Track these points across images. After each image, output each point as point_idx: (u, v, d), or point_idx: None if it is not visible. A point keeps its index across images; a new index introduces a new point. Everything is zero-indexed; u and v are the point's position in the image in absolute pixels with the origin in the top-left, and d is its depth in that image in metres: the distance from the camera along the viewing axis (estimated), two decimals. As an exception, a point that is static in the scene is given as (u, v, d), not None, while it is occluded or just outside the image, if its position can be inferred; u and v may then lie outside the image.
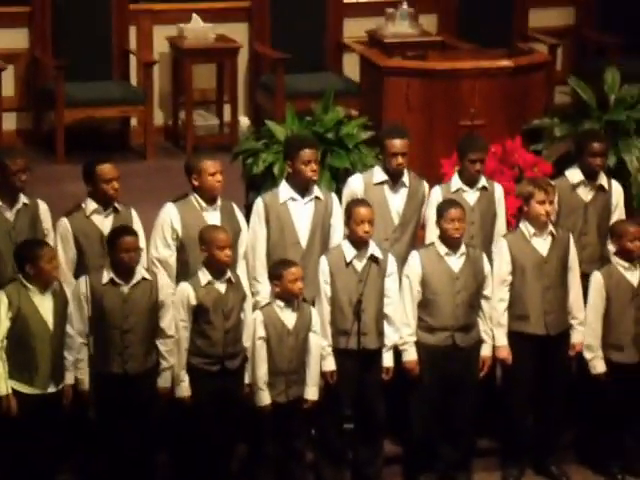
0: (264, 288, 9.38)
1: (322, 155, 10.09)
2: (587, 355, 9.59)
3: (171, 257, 9.37)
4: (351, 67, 12.30)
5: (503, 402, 9.67)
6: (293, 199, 9.50)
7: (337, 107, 10.48)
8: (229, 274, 9.11)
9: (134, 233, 9.03)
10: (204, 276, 9.08)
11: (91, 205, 9.34)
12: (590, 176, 9.91)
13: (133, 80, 12.41)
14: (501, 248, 9.56)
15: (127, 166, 11.91)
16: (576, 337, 9.60)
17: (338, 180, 10.11)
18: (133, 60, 12.42)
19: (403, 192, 9.76)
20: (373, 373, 9.41)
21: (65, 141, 12.03)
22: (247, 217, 9.67)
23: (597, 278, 9.59)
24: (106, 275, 8.98)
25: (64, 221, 9.31)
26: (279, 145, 10.18)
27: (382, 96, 10.76)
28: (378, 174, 9.72)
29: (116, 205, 9.36)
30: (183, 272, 9.30)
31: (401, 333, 9.40)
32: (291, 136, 10.01)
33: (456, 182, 9.77)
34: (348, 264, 9.33)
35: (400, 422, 9.60)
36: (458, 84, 10.71)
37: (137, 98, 12.25)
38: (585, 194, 9.93)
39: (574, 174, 9.94)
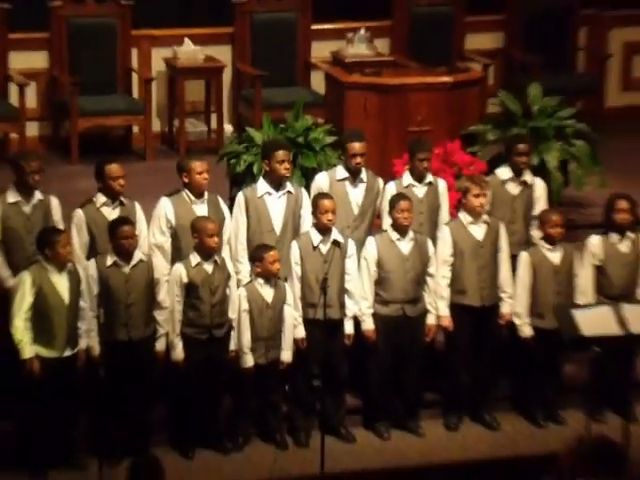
0: (245, 268, 9.37)
1: (294, 156, 10.05)
2: (517, 321, 9.58)
3: (166, 243, 9.34)
4: (318, 82, 12.25)
5: (445, 362, 9.64)
6: (269, 193, 9.47)
7: (306, 116, 10.46)
8: (216, 257, 9.10)
9: (131, 223, 9.01)
10: (194, 258, 9.07)
11: (101, 199, 9.31)
12: (517, 173, 9.89)
13: (135, 94, 12.35)
14: (444, 234, 9.54)
15: (130, 166, 11.77)
16: (505, 308, 9.59)
17: (307, 177, 10.06)
18: (135, 77, 12.36)
19: (362, 187, 9.72)
20: (337, 339, 9.37)
21: (78, 145, 11.97)
22: (231, 208, 9.64)
23: (524, 257, 9.58)
24: (109, 259, 8.97)
25: (79, 212, 9.29)
26: (257, 148, 10.14)
27: (344, 107, 10.73)
28: (340, 172, 9.69)
29: (122, 199, 9.32)
30: (177, 255, 9.27)
31: (360, 306, 9.38)
32: (267, 140, 9.98)
33: (407, 178, 9.74)
34: (315, 248, 9.30)
35: (359, 379, 9.58)
36: (407, 96, 10.67)
37: (138, 109, 12.19)
38: (513, 188, 9.91)
39: (504, 172, 9.93)
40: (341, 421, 9.46)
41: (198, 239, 9.06)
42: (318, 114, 10.97)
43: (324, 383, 8.97)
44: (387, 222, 9.56)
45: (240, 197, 9.53)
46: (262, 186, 9.51)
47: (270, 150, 9.51)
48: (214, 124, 12.43)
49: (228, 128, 12.36)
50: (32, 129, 12.12)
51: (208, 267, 9.10)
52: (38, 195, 9.31)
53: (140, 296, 9.01)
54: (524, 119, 10.72)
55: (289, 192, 9.52)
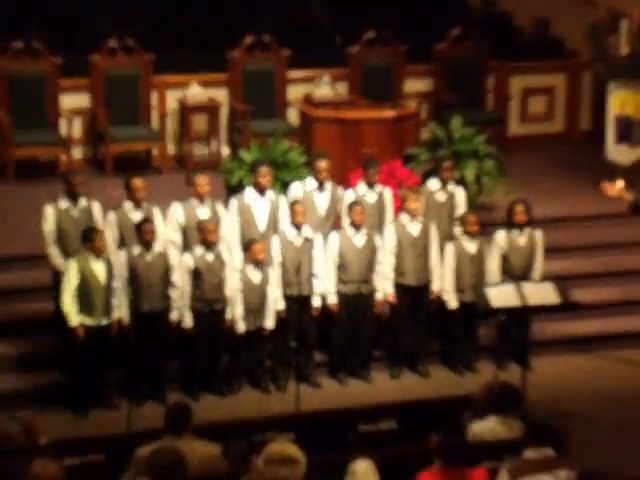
0: (237, 256, 9.26)
1: (275, 172, 9.96)
2: (445, 296, 9.48)
3: (178, 238, 9.23)
4: (293, 116, 12.12)
5: (389, 327, 9.54)
6: (255, 199, 9.37)
7: (284, 141, 10.33)
8: (215, 249, 8.99)
9: (151, 222, 8.94)
10: (199, 250, 8.97)
11: (127, 204, 9.19)
12: (443, 184, 9.80)
13: (154, 125, 12.17)
14: (389, 231, 9.44)
15: (150, 179, 11.58)
16: (435, 286, 9.49)
17: (285, 187, 9.95)
18: (154, 112, 12.17)
19: (327, 195, 9.60)
20: (308, 310, 9.28)
21: (112, 164, 11.77)
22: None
23: (450, 248, 9.51)
24: (136, 249, 8.86)
25: (112, 214, 9.17)
26: (247, 166, 10.03)
27: (313, 134, 10.60)
28: (310, 183, 9.58)
29: (144, 204, 9.19)
30: (185, 247, 9.17)
31: (325, 285, 9.27)
32: (255, 160, 9.87)
33: (361, 188, 9.62)
34: (291, 242, 9.20)
35: (325, 340, 9.48)
36: (361, 127, 10.54)
37: (157, 136, 12.01)
38: (440, 196, 9.81)
39: (433, 183, 9.83)
40: (311, 372, 9.36)
41: (202, 235, 8.96)
42: (293, 140, 10.83)
43: (298, 343, 8.91)
44: (346, 222, 9.45)
45: (233, 202, 9.40)
46: (249, 194, 9.40)
47: (256, 167, 9.46)
48: (214, 148, 12.30)
49: (225, 150, 12.22)
50: (77, 152, 11.93)
51: (209, 257, 8.98)
52: (83, 202, 9.17)
53: (159, 278, 8.90)
54: (448, 143, 10.62)
55: (271, 199, 9.41)
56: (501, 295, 8.75)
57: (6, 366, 8.97)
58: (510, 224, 9.56)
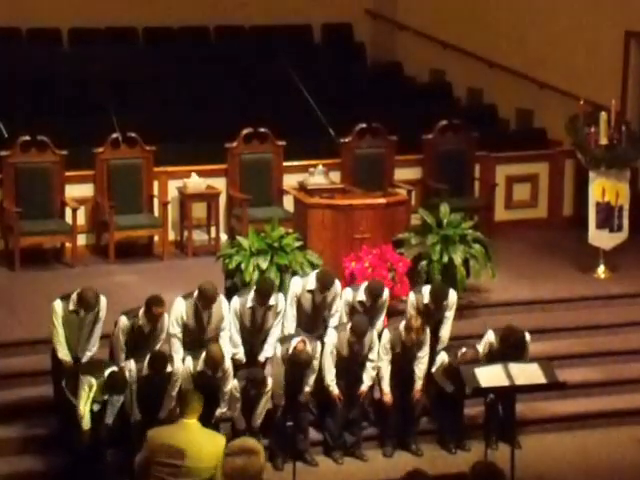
0: (241, 350, 9.22)
1: (271, 256, 9.99)
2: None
3: (179, 333, 9.10)
4: (288, 203, 12.20)
5: (379, 407, 9.47)
6: (256, 306, 9.24)
7: (280, 227, 10.38)
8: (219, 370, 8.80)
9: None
10: (200, 365, 8.79)
11: (143, 319, 8.93)
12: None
13: (156, 213, 12.25)
14: (386, 336, 9.33)
15: (152, 264, 11.80)
16: (417, 385, 9.35)
17: (281, 271, 9.96)
18: (156, 201, 12.26)
19: (325, 297, 9.48)
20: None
21: (115, 250, 11.80)
22: (227, 295, 9.53)
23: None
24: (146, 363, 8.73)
25: (124, 320, 8.93)
26: (245, 251, 10.05)
27: (307, 221, 10.68)
28: (311, 282, 9.46)
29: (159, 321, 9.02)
30: (184, 341, 9.09)
31: (327, 378, 9.20)
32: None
33: (361, 294, 9.49)
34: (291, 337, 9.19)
35: (321, 422, 9.42)
36: (353, 213, 10.64)
37: (158, 224, 12.08)
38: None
39: (425, 295, 9.62)
40: (307, 449, 9.27)
41: (210, 367, 8.68)
42: (288, 226, 10.89)
43: (295, 424, 8.85)
44: (343, 318, 9.41)
45: (236, 305, 9.24)
46: (252, 299, 9.25)
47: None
48: (213, 234, 12.35)
49: (223, 237, 12.28)
50: (81, 240, 11.98)
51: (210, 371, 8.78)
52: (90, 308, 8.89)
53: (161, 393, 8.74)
54: (437, 229, 10.68)
55: (271, 305, 9.27)
56: (489, 375, 8.71)
57: (11, 449, 8.89)
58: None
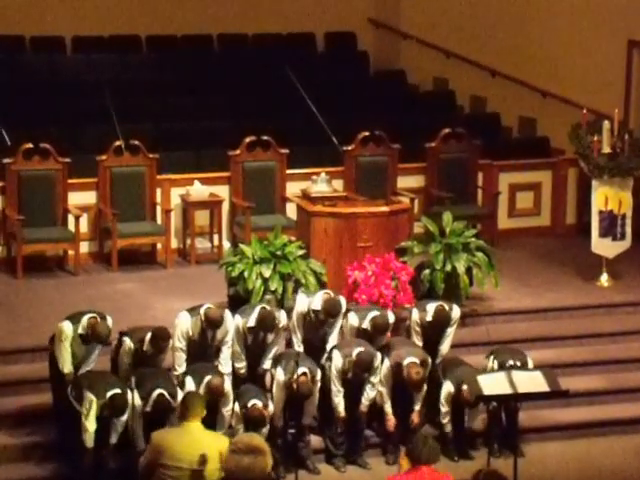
0: (244, 365, 9.16)
1: (274, 264, 9.98)
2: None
3: (184, 347, 9.00)
4: (291, 211, 12.19)
5: (380, 415, 9.42)
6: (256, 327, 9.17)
7: (283, 235, 10.38)
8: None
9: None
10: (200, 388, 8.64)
11: (149, 347, 8.80)
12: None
13: (159, 221, 12.24)
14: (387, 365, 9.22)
15: (155, 273, 11.79)
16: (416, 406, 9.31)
17: (284, 279, 9.95)
18: (159, 209, 12.25)
19: (330, 320, 9.39)
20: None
21: (117, 258, 11.78)
22: (230, 304, 9.49)
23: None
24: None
25: (129, 343, 8.82)
26: (248, 259, 10.04)
27: (310, 229, 10.66)
28: (317, 303, 9.34)
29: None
30: (188, 355, 9.01)
31: (334, 401, 9.15)
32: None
33: (366, 323, 9.37)
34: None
35: (323, 429, 9.40)
36: (356, 221, 10.61)
37: (161, 231, 12.06)
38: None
39: (428, 313, 9.55)
40: (309, 457, 9.22)
41: (210, 395, 8.49)
42: (291, 234, 10.89)
43: (297, 432, 8.82)
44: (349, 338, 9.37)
45: (238, 324, 9.14)
46: (253, 320, 9.14)
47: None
48: (216, 242, 12.35)
49: (226, 244, 12.28)
50: (84, 247, 11.96)
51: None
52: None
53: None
54: (440, 237, 10.66)
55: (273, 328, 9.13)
56: (493, 383, 8.69)
57: (13, 456, 8.86)
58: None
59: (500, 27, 14.72)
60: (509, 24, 14.64)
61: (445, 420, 9.28)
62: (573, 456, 9.54)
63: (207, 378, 8.58)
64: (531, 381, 8.64)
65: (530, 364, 9.29)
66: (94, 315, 8.78)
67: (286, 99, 13.63)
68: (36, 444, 8.92)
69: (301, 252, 10.20)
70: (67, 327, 8.72)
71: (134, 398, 8.51)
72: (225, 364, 9.03)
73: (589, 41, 13.72)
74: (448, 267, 10.34)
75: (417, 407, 9.26)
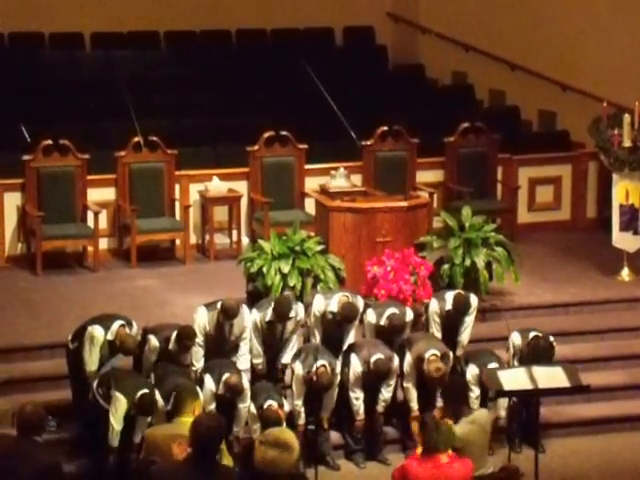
0: (262, 360, 9.17)
1: (293, 260, 9.97)
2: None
3: (202, 342, 9.00)
4: (310, 206, 12.17)
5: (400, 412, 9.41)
6: (275, 320, 9.16)
7: (301, 231, 10.37)
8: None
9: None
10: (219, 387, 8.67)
11: (174, 346, 8.82)
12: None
13: (177, 217, 12.24)
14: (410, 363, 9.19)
15: (174, 268, 11.80)
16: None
17: (302, 275, 9.93)
18: (177, 204, 12.24)
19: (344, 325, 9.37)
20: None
21: (137, 254, 11.79)
22: (248, 299, 9.46)
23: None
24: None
25: (154, 341, 8.84)
26: (267, 254, 10.03)
27: (328, 224, 10.65)
28: (333, 305, 9.30)
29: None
30: (206, 351, 9.03)
31: (352, 400, 9.12)
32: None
33: (385, 320, 9.32)
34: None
35: (342, 426, 9.37)
36: (375, 216, 10.59)
37: (180, 227, 12.06)
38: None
39: (447, 302, 9.52)
40: (329, 453, 9.20)
41: (228, 393, 8.53)
42: (310, 229, 10.88)
43: (316, 427, 8.79)
44: (368, 335, 9.33)
45: (255, 319, 9.16)
46: (270, 314, 9.15)
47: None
48: (235, 237, 12.34)
49: (245, 240, 12.26)
50: (103, 243, 11.97)
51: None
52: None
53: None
54: (459, 232, 10.62)
55: (289, 318, 9.17)
56: (513, 378, 8.64)
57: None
58: None
59: (519, 20, 14.65)
60: (528, 17, 14.56)
61: (476, 406, 9.18)
62: (594, 451, 9.50)
63: (225, 376, 8.58)
64: (552, 376, 8.60)
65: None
66: (123, 323, 8.76)
67: (304, 94, 13.61)
68: (58, 441, 8.93)
69: (320, 247, 10.18)
70: (99, 332, 8.70)
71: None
72: (243, 360, 9.03)
73: (609, 34, 13.64)
74: (467, 262, 10.30)
75: (439, 403, 9.22)
